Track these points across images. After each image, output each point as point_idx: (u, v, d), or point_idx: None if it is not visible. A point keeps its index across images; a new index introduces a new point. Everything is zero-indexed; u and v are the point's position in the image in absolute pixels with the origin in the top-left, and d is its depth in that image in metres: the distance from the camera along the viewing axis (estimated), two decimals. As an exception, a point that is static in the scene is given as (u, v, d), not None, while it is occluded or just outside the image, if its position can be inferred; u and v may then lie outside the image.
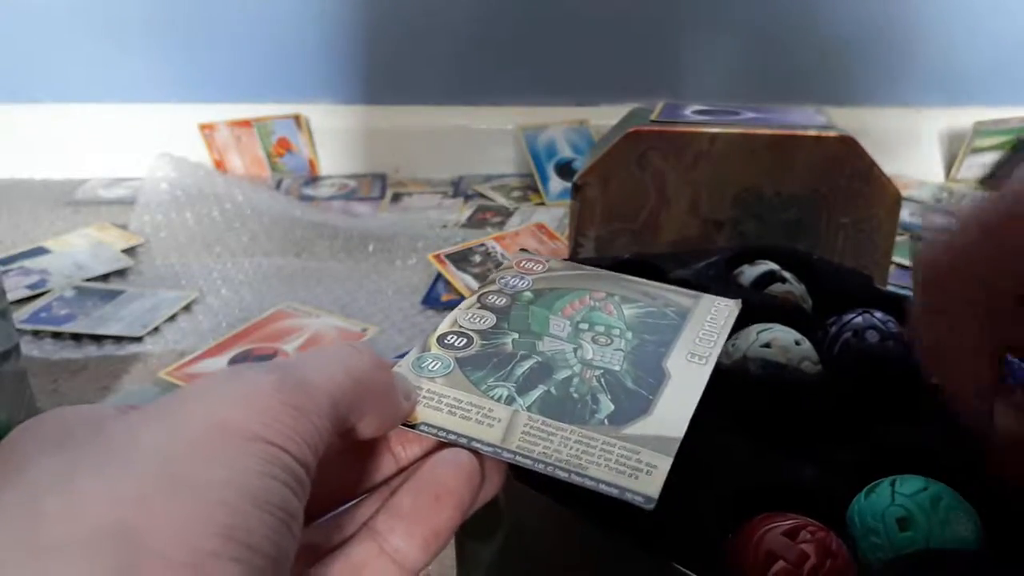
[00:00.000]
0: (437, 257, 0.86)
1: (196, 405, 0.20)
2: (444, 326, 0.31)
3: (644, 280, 0.35)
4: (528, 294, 0.34)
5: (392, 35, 1.16)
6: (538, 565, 0.36)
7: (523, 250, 0.89)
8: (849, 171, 0.67)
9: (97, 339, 0.74)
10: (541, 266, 0.36)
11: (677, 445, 0.25)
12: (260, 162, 1.20)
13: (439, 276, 0.85)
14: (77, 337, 0.74)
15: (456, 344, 0.30)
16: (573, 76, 1.18)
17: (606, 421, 0.27)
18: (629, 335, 0.32)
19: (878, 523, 0.29)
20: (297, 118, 1.18)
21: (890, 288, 0.65)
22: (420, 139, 1.20)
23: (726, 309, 0.34)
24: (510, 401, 0.27)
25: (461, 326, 0.31)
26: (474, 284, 0.82)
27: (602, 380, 0.29)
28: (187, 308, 0.79)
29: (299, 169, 1.20)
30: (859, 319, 0.41)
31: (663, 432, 0.26)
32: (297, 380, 0.21)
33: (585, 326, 0.32)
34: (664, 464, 0.25)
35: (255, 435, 0.19)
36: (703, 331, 0.32)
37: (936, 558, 0.27)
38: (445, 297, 0.81)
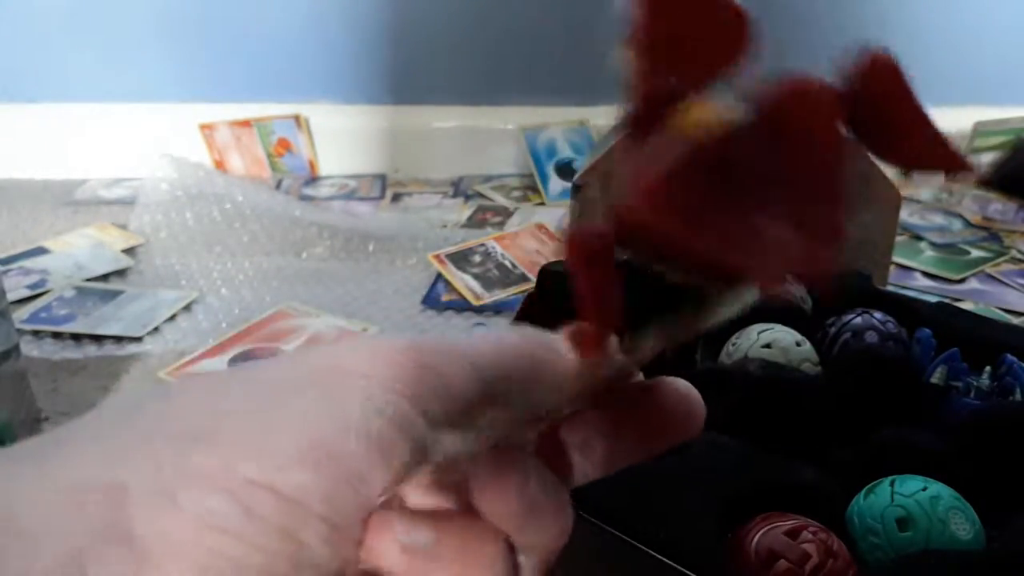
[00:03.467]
0: (437, 257, 0.86)
1: (319, 352, 0.19)
2: None
3: None
4: None
5: (392, 35, 1.16)
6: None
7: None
8: (849, 171, 0.67)
9: (97, 339, 0.74)
10: None
11: None
12: (260, 162, 1.20)
13: (439, 276, 0.85)
14: (77, 337, 0.74)
15: None
16: (573, 76, 1.18)
17: None
18: None
19: (878, 523, 0.29)
20: (297, 118, 1.18)
21: (890, 288, 0.65)
22: (420, 139, 1.20)
23: None
24: None
25: None
26: (474, 284, 0.82)
27: None
28: (187, 308, 0.79)
29: (299, 169, 1.20)
30: (858, 320, 0.42)
31: None
32: (434, 344, 0.19)
33: None
34: None
35: (367, 374, 0.18)
36: None
37: (936, 558, 0.27)
38: (445, 297, 0.81)
